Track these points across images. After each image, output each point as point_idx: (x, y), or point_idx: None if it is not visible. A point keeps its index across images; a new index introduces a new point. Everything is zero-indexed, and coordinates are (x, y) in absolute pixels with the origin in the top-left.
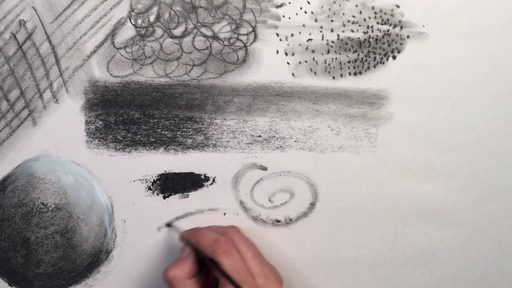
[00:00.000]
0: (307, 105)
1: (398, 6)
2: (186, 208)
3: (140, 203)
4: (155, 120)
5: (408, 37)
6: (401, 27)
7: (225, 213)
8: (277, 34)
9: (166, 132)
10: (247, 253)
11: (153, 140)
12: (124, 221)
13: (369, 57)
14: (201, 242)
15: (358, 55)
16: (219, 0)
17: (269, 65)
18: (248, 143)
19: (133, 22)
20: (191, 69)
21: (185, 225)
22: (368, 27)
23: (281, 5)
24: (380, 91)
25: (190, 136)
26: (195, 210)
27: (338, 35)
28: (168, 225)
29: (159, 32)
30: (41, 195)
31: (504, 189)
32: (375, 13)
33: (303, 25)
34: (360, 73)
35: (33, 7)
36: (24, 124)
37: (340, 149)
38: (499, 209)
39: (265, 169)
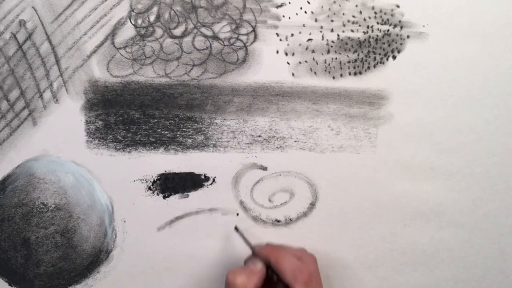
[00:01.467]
0: (307, 105)
1: (398, 6)
2: (186, 208)
3: (140, 203)
4: (155, 120)
5: (408, 37)
6: (401, 27)
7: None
8: (277, 34)
9: (166, 132)
10: (318, 286)
11: (153, 140)
12: (124, 221)
13: (369, 57)
14: (283, 265)
15: (358, 55)
16: (219, 0)
17: (269, 65)
18: (248, 143)
19: (133, 22)
20: (191, 69)
21: (179, 228)
22: (368, 27)
23: (281, 5)
24: (380, 91)
25: (190, 136)
26: (195, 210)
27: (338, 35)
28: (236, 228)
29: (159, 32)
30: (41, 195)
31: (504, 189)
32: (375, 13)
33: (303, 25)
34: (360, 73)
35: (33, 7)
36: (24, 124)
37: (340, 149)
38: (499, 209)
39: (265, 169)
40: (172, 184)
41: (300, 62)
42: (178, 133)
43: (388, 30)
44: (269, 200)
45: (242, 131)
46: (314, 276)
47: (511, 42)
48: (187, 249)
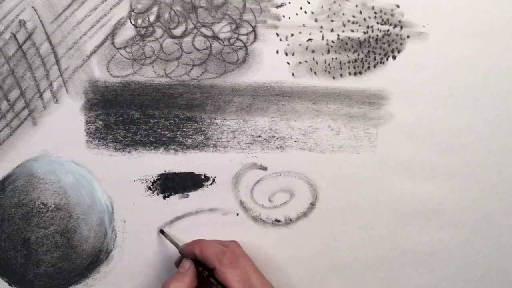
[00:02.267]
0: (307, 105)
1: (398, 6)
2: (186, 208)
3: (140, 203)
4: (155, 120)
5: (408, 37)
6: (401, 27)
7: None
8: (277, 34)
9: (166, 132)
10: (248, 266)
11: (153, 140)
12: (124, 221)
13: (369, 57)
14: (207, 252)
15: (358, 55)
16: (219, 0)
17: (269, 65)
18: (248, 143)
19: (133, 22)
20: (191, 69)
21: (179, 228)
22: (368, 27)
23: (281, 5)
24: (380, 91)
25: (190, 136)
26: (195, 210)
27: (338, 35)
28: (162, 232)
29: (159, 32)
30: (41, 195)
31: (504, 189)
32: (375, 13)
33: (303, 25)
34: (360, 73)
35: (33, 7)
36: (24, 124)
37: (340, 149)
38: (499, 209)
39: (265, 169)
40: (172, 184)
41: (300, 62)
42: (178, 133)
43: (388, 30)
44: (269, 200)
45: (242, 131)
46: (241, 257)
47: (511, 42)
48: None
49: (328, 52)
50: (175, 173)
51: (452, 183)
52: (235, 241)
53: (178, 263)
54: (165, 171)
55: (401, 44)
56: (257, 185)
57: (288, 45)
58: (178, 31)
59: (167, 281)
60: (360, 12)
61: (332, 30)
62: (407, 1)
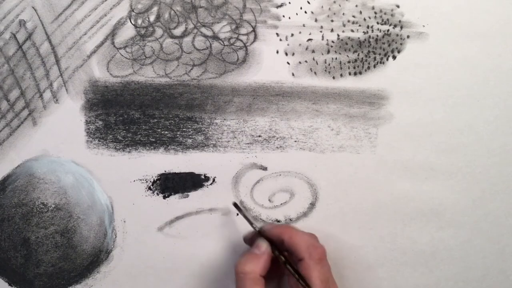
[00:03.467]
0: (307, 105)
1: (398, 6)
2: (186, 208)
3: (140, 203)
4: (155, 120)
5: (408, 37)
6: (401, 27)
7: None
8: (277, 34)
9: (166, 132)
10: (330, 269)
11: (153, 140)
12: (124, 221)
13: (369, 57)
14: (297, 241)
15: (358, 55)
16: (219, 0)
17: (269, 65)
18: (248, 143)
19: (133, 22)
20: (191, 69)
21: (179, 228)
22: (368, 27)
23: (281, 5)
24: (380, 91)
25: (190, 136)
26: (195, 210)
27: (338, 35)
28: (236, 205)
29: (159, 32)
30: (41, 195)
31: (504, 189)
32: (375, 13)
33: (303, 25)
34: (360, 73)
35: (33, 7)
36: (24, 124)
37: (340, 149)
38: (499, 209)
39: (265, 169)
40: (172, 184)
41: (300, 62)
42: (178, 133)
43: (388, 30)
44: (269, 200)
45: (242, 131)
46: (326, 258)
47: (511, 42)
48: (187, 249)
49: (328, 52)
50: (175, 173)
51: (452, 183)
52: (315, 235)
53: (248, 240)
54: (165, 171)
55: (401, 44)
56: (257, 185)
57: (288, 45)
58: (178, 31)
59: (241, 261)
60: (360, 12)
61: (332, 30)
62: (407, 1)
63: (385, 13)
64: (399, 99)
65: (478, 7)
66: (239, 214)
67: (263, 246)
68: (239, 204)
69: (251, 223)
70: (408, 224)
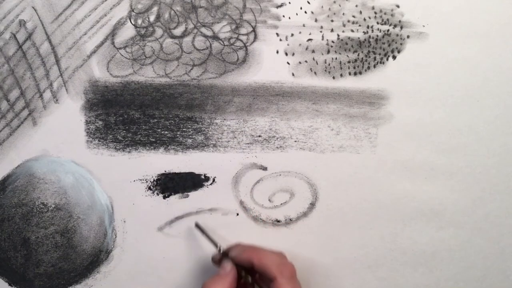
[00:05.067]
0: (307, 105)
1: (398, 6)
2: (186, 208)
3: (140, 203)
4: (155, 120)
5: (408, 37)
6: (401, 27)
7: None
8: (277, 34)
9: (166, 132)
10: (299, 284)
11: (153, 140)
12: (124, 221)
13: (369, 57)
14: (267, 262)
15: (358, 55)
16: (219, 0)
17: (269, 65)
18: (248, 143)
19: (133, 22)
20: (191, 69)
21: (179, 228)
22: (368, 27)
23: (281, 5)
24: (380, 91)
25: (190, 136)
26: (195, 210)
27: (338, 35)
28: (198, 226)
29: (159, 32)
30: (41, 195)
31: (504, 189)
32: (375, 13)
33: (303, 25)
34: (360, 73)
35: (33, 7)
36: (24, 124)
37: (340, 149)
38: (499, 209)
39: (265, 169)
40: (172, 184)
41: (300, 62)
42: (178, 133)
43: (388, 30)
44: (269, 200)
45: (242, 131)
46: (295, 274)
47: (511, 42)
48: (187, 249)
49: (328, 52)
50: (175, 173)
51: (452, 183)
52: (282, 253)
53: (216, 261)
54: (165, 171)
55: (401, 44)
56: (257, 185)
57: (288, 45)
58: (178, 31)
59: (207, 282)
60: (360, 12)
61: (332, 30)
62: (407, 1)
63: (385, 13)
64: (399, 99)
65: (478, 7)
66: (203, 234)
67: (228, 267)
68: (200, 225)
69: (215, 244)
70: (408, 224)
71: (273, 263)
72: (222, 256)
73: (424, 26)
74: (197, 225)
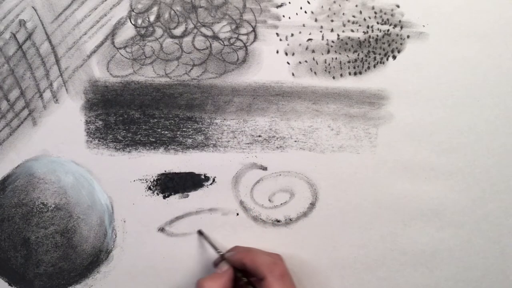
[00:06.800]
0: (307, 105)
1: (398, 6)
2: (186, 208)
3: (140, 203)
4: (155, 120)
5: (408, 37)
6: (401, 27)
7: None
8: (277, 34)
9: (166, 132)
10: (292, 284)
11: (153, 140)
12: (124, 221)
13: (369, 57)
14: (257, 262)
15: (358, 55)
16: (219, 0)
17: (269, 65)
18: (248, 143)
19: (133, 22)
20: (191, 69)
21: (179, 228)
22: (368, 27)
23: (281, 5)
24: (380, 91)
25: (190, 136)
26: (195, 210)
27: (338, 35)
28: (200, 233)
29: (159, 32)
30: (41, 195)
31: (504, 189)
32: (375, 13)
33: (303, 25)
34: (360, 73)
35: (33, 7)
36: (24, 124)
37: (340, 149)
38: (499, 209)
39: (265, 169)
40: (172, 184)
41: (300, 62)
42: (178, 133)
43: (388, 30)
44: (269, 200)
45: (242, 131)
46: (287, 274)
47: (511, 42)
48: (187, 249)
49: (328, 52)
50: (175, 173)
51: (452, 183)
52: (279, 255)
53: (216, 264)
54: (165, 171)
55: (401, 44)
56: (257, 185)
57: (288, 45)
58: (178, 31)
59: (202, 279)
60: (360, 12)
61: (332, 30)
62: (407, 1)
63: (385, 13)
64: (399, 99)
65: (478, 7)
66: (205, 241)
67: (225, 267)
68: (203, 232)
69: (215, 249)
70: (408, 224)
71: (263, 263)
72: (221, 259)
73: (424, 26)
74: (200, 232)
